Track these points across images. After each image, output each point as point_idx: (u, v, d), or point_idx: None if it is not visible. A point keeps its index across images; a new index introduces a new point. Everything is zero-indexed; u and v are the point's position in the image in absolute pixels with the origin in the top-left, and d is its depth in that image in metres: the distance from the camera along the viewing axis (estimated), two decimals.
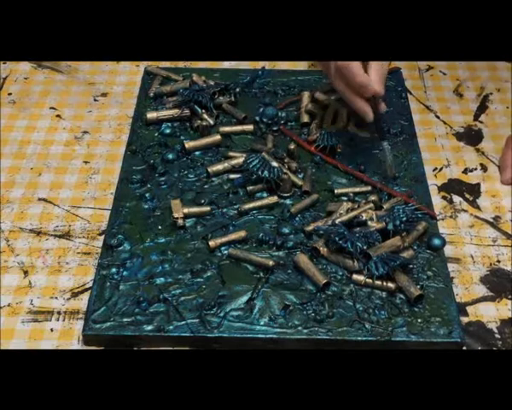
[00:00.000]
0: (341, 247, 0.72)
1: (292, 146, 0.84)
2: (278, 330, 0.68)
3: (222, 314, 0.69)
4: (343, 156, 0.85)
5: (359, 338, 0.67)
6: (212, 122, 0.88)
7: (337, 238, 0.72)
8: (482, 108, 0.94)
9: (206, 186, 0.81)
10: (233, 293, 0.71)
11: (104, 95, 0.95)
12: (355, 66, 0.76)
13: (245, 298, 0.70)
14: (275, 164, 0.79)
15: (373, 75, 0.77)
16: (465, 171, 0.86)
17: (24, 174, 0.84)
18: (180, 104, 0.89)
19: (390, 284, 0.71)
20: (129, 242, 0.75)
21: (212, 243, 0.74)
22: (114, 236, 0.75)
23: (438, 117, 0.93)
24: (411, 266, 0.73)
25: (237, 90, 0.92)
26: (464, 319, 0.70)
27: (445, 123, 0.92)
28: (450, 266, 0.74)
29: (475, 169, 0.86)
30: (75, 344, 0.68)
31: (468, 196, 0.83)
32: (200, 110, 0.88)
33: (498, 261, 0.76)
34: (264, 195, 0.80)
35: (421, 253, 0.74)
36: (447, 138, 0.90)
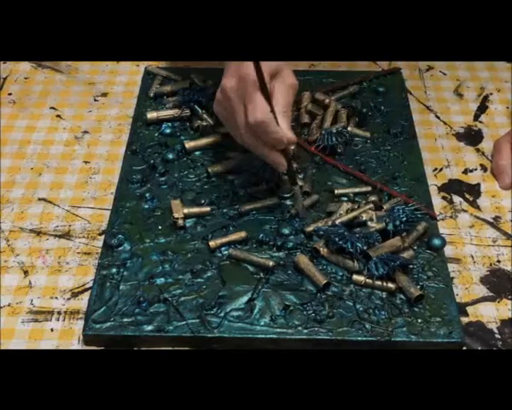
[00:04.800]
0: (341, 247, 0.72)
1: (292, 146, 0.84)
2: (278, 330, 0.68)
3: (222, 315, 0.69)
4: (343, 156, 0.85)
5: (359, 338, 0.67)
6: (212, 122, 0.88)
7: (337, 239, 0.72)
8: (482, 108, 0.94)
9: (206, 186, 0.81)
10: (233, 293, 0.71)
11: (104, 95, 0.95)
12: (271, 123, 0.70)
13: (245, 298, 0.70)
14: None
15: (283, 124, 0.71)
16: (465, 171, 0.86)
17: (24, 174, 0.84)
18: (180, 104, 0.89)
19: (390, 285, 0.71)
20: (129, 242, 0.75)
21: (212, 244, 0.74)
22: (114, 236, 0.75)
23: (438, 117, 0.93)
24: (411, 266, 0.73)
25: None
26: (464, 320, 0.70)
27: (445, 123, 0.92)
28: (451, 267, 0.74)
29: (475, 169, 0.86)
30: (75, 344, 0.68)
31: (468, 196, 0.83)
32: (200, 110, 0.88)
33: (498, 261, 0.76)
34: (265, 195, 0.80)
35: (421, 253, 0.74)
36: (447, 139, 0.90)
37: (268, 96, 0.70)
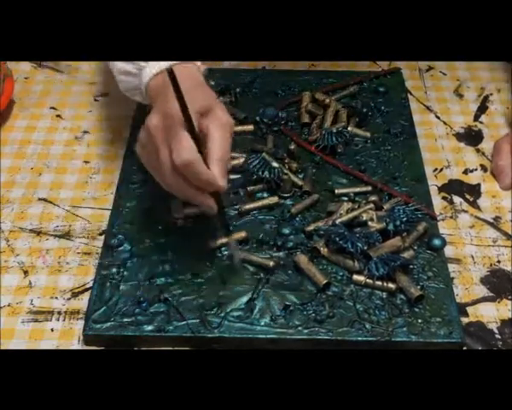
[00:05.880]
0: (342, 247, 0.72)
1: (292, 146, 0.84)
2: (278, 330, 0.68)
3: (222, 315, 0.69)
4: (343, 156, 0.85)
5: (359, 338, 0.67)
6: None
7: (337, 239, 0.72)
8: (482, 108, 0.94)
9: None
10: (233, 293, 0.71)
11: (104, 95, 0.95)
12: (199, 164, 0.63)
13: (245, 298, 0.70)
14: (275, 164, 0.79)
15: (216, 170, 0.65)
16: (465, 171, 0.86)
17: (24, 174, 0.84)
18: None
19: (390, 285, 0.71)
20: (129, 242, 0.75)
21: (212, 244, 0.74)
22: (115, 236, 0.75)
23: (438, 117, 0.93)
24: (412, 266, 0.73)
25: (237, 90, 0.92)
26: (464, 320, 0.70)
27: (445, 123, 0.92)
28: (451, 267, 0.74)
29: (475, 170, 0.86)
30: (75, 344, 0.68)
31: (468, 196, 0.83)
32: None
33: (499, 262, 0.76)
34: (265, 195, 0.80)
35: (421, 253, 0.74)
36: (447, 139, 0.90)
37: (196, 136, 0.64)
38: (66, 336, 0.69)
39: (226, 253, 0.74)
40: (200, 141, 0.65)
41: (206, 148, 0.66)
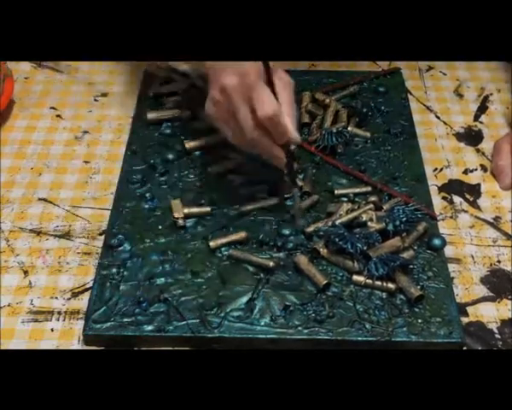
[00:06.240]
0: (341, 248, 0.72)
1: (292, 147, 0.84)
2: (278, 330, 0.68)
3: (222, 315, 0.69)
4: (343, 156, 0.85)
5: (359, 338, 0.67)
6: None
7: (337, 239, 0.72)
8: (482, 108, 0.94)
9: (206, 186, 0.81)
10: (233, 293, 0.71)
11: (104, 95, 0.95)
12: (282, 116, 0.70)
13: (245, 298, 0.70)
14: None
15: (289, 123, 0.71)
16: (465, 171, 0.86)
17: (24, 174, 0.84)
18: (180, 104, 0.89)
19: (390, 285, 0.71)
20: (129, 242, 0.75)
21: (212, 244, 0.74)
22: (115, 236, 0.75)
23: (438, 117, 0.93)
24: (411, 266, 0.73)
25: None
26: (464, 320, 0.70)
27: (445, 123, 0.92)
28: (451, 267, 0.74)
29: (475, 170, 0.86)
30: (75, 344, 0.68)
31: (468, 196, 0.83)
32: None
33: (499, 262, 0.76)
34: (265, 195, 0.80)
35: (421, 253, 0.74)
36: (447, 139, 0.90)
37: (274, 91, 0.70)
38: (66, 336, 0.69)
39: (226, 253, 0.74)
40: (276, 96, 0.70)
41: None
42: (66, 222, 0.79)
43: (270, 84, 0.70)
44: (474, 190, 0.83)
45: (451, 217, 0.80)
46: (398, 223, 0.73)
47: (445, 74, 1.00)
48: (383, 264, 0.70)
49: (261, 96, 0.68)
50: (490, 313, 0.71)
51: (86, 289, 0.72)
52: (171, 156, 0.84)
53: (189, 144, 0.85)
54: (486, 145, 0.89)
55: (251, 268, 0.73)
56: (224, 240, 0.75)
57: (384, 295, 0.71)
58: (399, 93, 0.94)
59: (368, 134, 0.87)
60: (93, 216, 0.80)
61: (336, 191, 0.80)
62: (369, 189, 0.80)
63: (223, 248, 0.74)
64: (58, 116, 0.92)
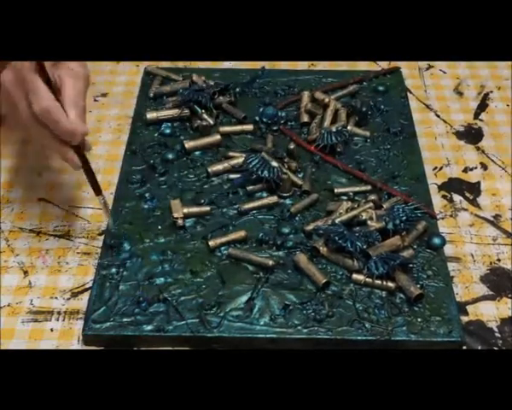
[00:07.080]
0: (341, 246, 0.72)
1: (292, 146, 0.84)
2: (278, 329, 0.68)
3: (222, 314, 0.69)
4: (343, 156, 0.85)
5: (359, 338, 0.67)
6: (211, 122, 0.88)
7: (337, 238, 0.72)
8: (482, 106, 0.94)
9: (205, 186, 0.81)
10: (233, 293, 0.71)
11: (104, 95, 0.95)
12: (58, 111, 0.66)
13: (245, 298, 0.70)
14: (275, 164, 0.79)
15: (72, 115, 0.67)
16: (465, 170, 0.86)
17: (24, 174, 0.84)
18: (180, 104, 0.89)
19: (390, 284, 0.71)
20: (129, 242, 0.75)
21: (211, 243, 0.74)
22: (114, 236, 0.75)
23: (438, 116, 0.93)
24: (411, 265, 0.73)
25: (237, 90, 0.92)
26: (464, 319, 0.70)
27: (445, 122, 0.92)
28: (450, 266, 0.74)
29: (475, 168, 0.86)
30: (75, 344, 0.68)
31: (468, 194, 0.83)
32: (199, 110, 0.88)
33: (499, 260, 0.76)
34: (264, 195, 0.80)
35: (421, 252, 0.74)
36: (447, 137, 0.90)
37: (51, 85, 0.67)
38: (65, 336, 0.69)
39: (226, 252, 0.74)
40: (56, 90, 0.68)
41: (61, 95, 0.68)
42: (65, 222, 0.79)
43: (46, 77, 0.67)
44: (474, 189, 0.83)
45: (451, 215, 0.80)
46: (397, 222, 0.73)
47: (444, 73, 1.00)
48: (383, 263, 0.70)
49: (36, 92, 0.66)
50: (490, 312, 0.71)
51: (86, 290, 0.72)
52: (170, 156, 0.84)
53: (189, 144, 0.85)
54: (486, 143, 0.89)
55: (250, 267, 0.73)
56: (223, 239, 0.75)
57: (384, 294, 0.71)
58: (399, 92, 0.94)
59: (367, 133, 0.87)
60: (93, 216, 0.80)
61: (336, 190, 0.80)
62: (368, 188, 0.80)
63: (222, 248, 0.74)
64: None
